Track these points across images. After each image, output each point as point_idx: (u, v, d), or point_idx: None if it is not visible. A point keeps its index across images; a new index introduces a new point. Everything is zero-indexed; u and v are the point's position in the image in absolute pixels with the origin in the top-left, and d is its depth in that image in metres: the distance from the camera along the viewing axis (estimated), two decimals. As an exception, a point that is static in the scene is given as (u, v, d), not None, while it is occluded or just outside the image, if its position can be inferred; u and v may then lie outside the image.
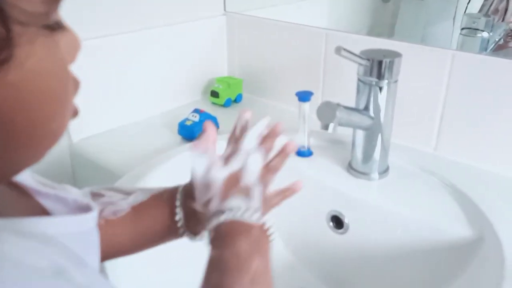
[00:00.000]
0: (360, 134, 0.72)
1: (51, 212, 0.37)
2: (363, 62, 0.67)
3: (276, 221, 0.79)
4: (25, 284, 0.24)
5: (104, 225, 0.47)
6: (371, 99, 0.69)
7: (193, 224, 0.50)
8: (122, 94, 0.93)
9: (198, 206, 0.46)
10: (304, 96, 0.78)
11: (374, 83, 0.68)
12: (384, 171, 0.75)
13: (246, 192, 0.44)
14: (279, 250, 0.79)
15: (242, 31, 1.08)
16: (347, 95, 0.74)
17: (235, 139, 0.50)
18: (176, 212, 0.49)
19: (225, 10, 1.09)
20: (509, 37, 0.84)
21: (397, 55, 0.68)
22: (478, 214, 0.63)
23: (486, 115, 0.74)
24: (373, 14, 1.08)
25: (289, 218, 0.80)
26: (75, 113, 0.33)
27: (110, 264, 0.56)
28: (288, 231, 0.80)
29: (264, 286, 0.40)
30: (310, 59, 0.96)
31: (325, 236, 0.74)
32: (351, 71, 0.71)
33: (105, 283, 0.34)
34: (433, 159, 0.80)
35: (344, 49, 0.63)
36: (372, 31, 1.05)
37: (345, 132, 0.75)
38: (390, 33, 1.05)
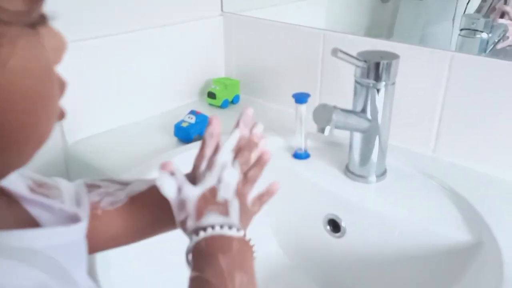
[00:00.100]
0: (358, 137, 0.71)
1: (38, 220, 0.36)
2: (360, 64, 0.66)
3: (273, 225, 0.79)
4: None
5: (101, 216, 0.47)
6: (369, 101, 0.68)
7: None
8: (117, 95, 0.92)
9: (177, 225, 0.46)
10: (300, 98, 0.77)
11: (371, 85, 0.67)
12: (382, 174, 0.74)
13: (223, 208, 0.44)
14: (275, 254, 0.79)
15: (239, 32, 1.07)
16: (345, 96, 0.73)
17: (210, 153, 0.49)
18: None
19: (222, 10, 1.09)
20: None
21: (394, 56, 0.67)
22: (476, 218, 0.62)
23: (485, 117, 0.74)
24: (372, 14, 1.07)
25: (285, 222, 0.79)
26: (61, 115, 0.33)
27: (101, 265, 0.55)
28: (284, 235, 0.79)
29: None
30: (308, 60, 0.95)
31: (322, 240, 0.73)
32: (349, 72, 0.70)
33: None
34: (431, 161, 0.79)
35: (341, 51, 0.62)
36: (371, 31, 1.05)
37: (343, 135, 0.75)
38: (389, 34, 1.05)
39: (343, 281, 0.72)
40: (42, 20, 0.27)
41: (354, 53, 0.68)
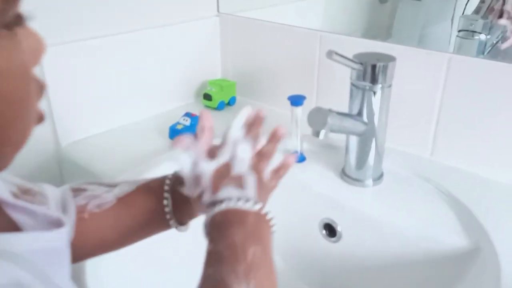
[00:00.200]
0: (354, 140, 0.70)
1: (20, 225, 0.35)
2: (356, 66, 0.65)
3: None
4: None
5: (89, 219, 0.46)
6: (365, 104, 0.67)
7: (180, 213, 0.49)
8: (112, 96, 0.91)
9: (192, 199, 0.45)
10: (296, 100, 0.76)
11: (367, 87, 0.66)
12: (378, 178, 0.73)
13: (238, 182, 0.43)
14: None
15: (235, 33, 1.06)
16: (342, 98, 0.72)
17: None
18: (165, 197, 0.49)
19: (218, 11, 1.07)
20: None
21: (391, 59, 0.66)
22: (474, 223, 0.61)
23: (483, 119, 0.73)
24: (370, 15, 1.06)
25: (280, 226, 0.78)
26: (40, 118, 0.32)
27: (90, 270, 0.55)
28: (279, 239, 0.78)
29: (263, 275, 0.38)
30: (305, 62, 0.94)
31: (318, 245, 0.72)
32: (347, 73, 0.69)
33: None
34: (429, 164, 0.78)
35: (336, 53, 0.61)
36: (369, 32, 1.04)
37: (339, 137, 0.74)
38: (387, 34, 1.04)
39: (339, 286, 0.71)
40: (19, 20, 0.26)
41: (351, 55, 0.67)
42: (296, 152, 0.79)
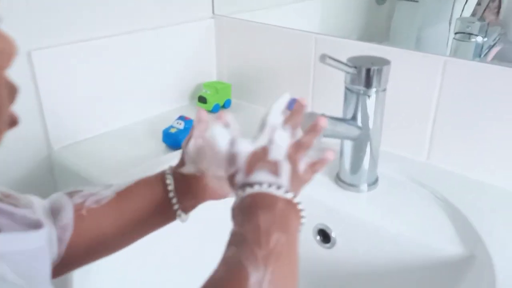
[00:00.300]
0: (348, 144, 0.70)
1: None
2: (350, 70, 0.64)
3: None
4: None
5: (87, 216, 0.46)
6: (359, 108, 0.66)
7: (182, 198, 0.49)
8: (105, 99, 0.90)
9: (226, 181, 0.45)
10: (289, 105, 0.74)
11: (361, 91, 0.65)
12: (373, 183, 0.72)
13: (273, 168, 0.42)
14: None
15: (231, 35, 1.05)
16: (339, 101, 0.71)
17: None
18: (167, 178, 0.49)
19: (213, 13, 1.07)
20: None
21: (385, 62, 0.65)
22: (469, 230, 0.60)
23: (479, 122, 0.72)
24: (368, 16, 1.06)
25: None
26: (13, 122, 0.31)
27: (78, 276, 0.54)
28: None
29: (283, 263, 0.37)
30: (300, 64, 0.93)
31: (312, 251, 0.71)
32: (343, 76, 0.68)
33: None
34: (425, 168, 0.77)
35: (329, 57, 0.60)
36: (367, 34, 1.03)
37: (333, 142, 0.73)
38: (385, 36, 1.03)
39: (333, 293, 0.70)
40: None
41: (347, 57, 0.66)
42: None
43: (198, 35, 1.05)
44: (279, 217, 0.39)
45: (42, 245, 0.37)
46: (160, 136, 0.88)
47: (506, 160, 0.71)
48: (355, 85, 0.65)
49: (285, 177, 0.42)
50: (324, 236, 0.71)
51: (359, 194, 0.71)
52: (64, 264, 0.45)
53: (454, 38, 0.85)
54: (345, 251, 0.68)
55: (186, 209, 0.50)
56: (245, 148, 0.43)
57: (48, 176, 0.87)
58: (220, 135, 0.44)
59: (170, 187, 0.49)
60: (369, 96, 0.65)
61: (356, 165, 0.70)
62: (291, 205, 0.41)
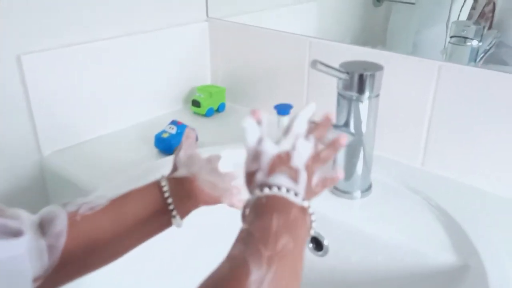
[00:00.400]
0: (341, 151, 0.68)
1: None
2: (343, 76, 0.63)
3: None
4: None
5: (81, 222, 0.46)
6: (352, 114, 0.65)
7: (177, 203, 0.49)
8: (96, 104, 0.89)
9: (244, 177, 0.46)
10: (283, 110, 0.74)
11: (354, 97, 0.64)
12: (367, 189, 0.71)
13: (294, 174, 0.43)
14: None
15: (225, 38, 1.04)
16: (333, 105, 0.70)
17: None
18: (161, 181, 0.50)
19: (207, 15, 1.06)
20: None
21: (378, 68, 0.64)
22: (463, 238, 0.59)
23: (475, 128, 0.71)
24: (365, 18, 1.05)
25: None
26: None
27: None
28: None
29: (286, 266, 0.37)
30: (295, 68, 0.92)
31: (304, 259, 0.70)
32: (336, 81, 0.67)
33: None
34: (419, 174, 0.76)
35: (320, 63, 0.59)
36: (363, 36, 1.02)
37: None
38: (381, 38, 1.02)
39: (326, 301, 0.69)
40: None
41: (341, 61, 0.65)
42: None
43: (192, 38, 1.04)
44: (291, 223, 0.40)
45: (21, 253, 0.37)
46: (152, 141, 0.87)
47: (501, 165, 0.70)
48: (348, 91, 0.64)
49: (302, 185, 0.43)
50: (317, 244, 0.69)
51: (352, 201, 0.70)
52: (59, 274, 0.45)
53: (449, 42, 0.84)
54: (337, 259, 0.67)
55: (181, 214, 0.51)
56: (271, 149, 0.44)
57: (39, 183, 0.86)
58: (251, 130, 0.45)
59: (165, 188, 0.50)
60: (361, 102, 0.64)
61: (349, 171, 0.69)
62: (304, 214, 0.42)
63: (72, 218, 0.46)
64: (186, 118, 0.99)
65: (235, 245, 0.38)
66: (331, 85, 0.68)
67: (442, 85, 0.73)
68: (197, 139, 0.87)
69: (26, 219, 0.43)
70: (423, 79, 0.74)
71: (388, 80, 0.68)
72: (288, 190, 0.41)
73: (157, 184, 0.50)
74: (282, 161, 0.44)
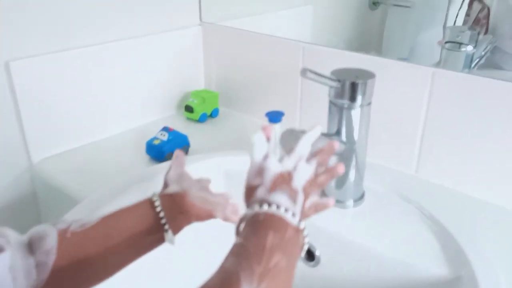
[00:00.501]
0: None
1: None
2: (334, 84, 0.62)
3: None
4: None
5: (71, 238, 0.46)
6: (343, 122, 0.64)
7: (169, 219, 0.50)
8: (87, 110, 0.88)
9: (244, 190, 0.47)
10: (274, 117, 0.73)
11: (346, 106, 0.63)
12: (359, 198, 0.70)
13: (293, 194, 0.44)
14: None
15: (219, 42, 1.03)
16: (327, 111, 0.69)
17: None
18: (153, 196, 0.50)
19: (201, 20, 1.05)
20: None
21: (370, 75, 0.63)
22: (456, 250, 0.58)
23: (469, 135, 0.70)
24: (361, 21, 1.04)
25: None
26: None
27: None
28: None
29: (277, 284, 0.38)
30: (288, 73, 0.91)
31: (296, 269, 0.69)
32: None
33: None
34: (413, 182, 0.75)
35: (310, 71, 0.58)
36: (360, 39, 1.01)
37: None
38: (378, 41, 1.01)
39: (317, 312, 0.68)
40: None
41: (335, 67, 0.64)
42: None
43: (185, 43, 1.03)
44: (285, 242, 0.41)
45: (2, 269, 0.37)
46: (144, 147, 0.86)
47: (496, 173, 0.69)
48: (339, 99, 0.63)
49: (299, 206, 0.44)
50: (308, 254, 0.68)
51: (345, 210, 0.69)
52: None
53: (444, 48, 0.83)
54: (329, 270, 0.66)
55: (174, 230, 0.50)
56: (275, 167, 0.45)
57: (29, 192, 0.85)
58: (259, 146, 0.46)
59: (157, 203, 0.50)
60: (353, 111, 0.63)
61: (341, 180, 0.68)
62: (298, 234, 0.43)
63: (63, 235, 0.46)
64: (179, 123, 0.99)
65: (228, 258, 0.39)
66: (325, 90, 0.67)
67: (436, 91, 0.72)
68: (187, 150, 0.87)
69: (11, 237, 0.43)
70: (417, 86, 0.73)
71: (382, 86, 0.67)
72: (286, 210, 0.42)
73: (148, 201, 0.50)
74: (284, 180, 0.45)
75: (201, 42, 1.05)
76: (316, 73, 0.59)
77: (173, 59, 1.01)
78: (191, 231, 0.53)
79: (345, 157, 0.66)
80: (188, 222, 0.51)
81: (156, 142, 0.84)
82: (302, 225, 0.43)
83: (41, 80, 0.80)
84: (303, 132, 0.59)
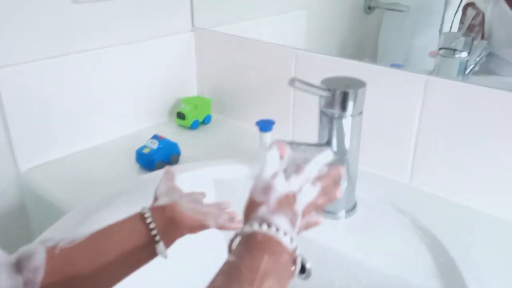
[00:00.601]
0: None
1: None
2: (324, 93, 0.60)
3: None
4: None
5: (59, 254, 0.45)
6: (334, 132, 0.63)
7: (161, 229, 0.49)
8: (75, 118, 0.87)
9: (246, 203, 0.46)
10: (264, 126, 0.72)
11: (336, 115, 0.62)
12: (352, 209, 0.69)
13: (294, 218, 0.44)
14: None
15: (211, 48, 1.02)
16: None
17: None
18: (143, 209, 0.49)
19: (193, 25, 1.03)
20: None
21: (361, 84, 0.62)
22: (449, 264, 0.57)
23: (464, 144, 0.69)
24: (356, 26, 1.03)
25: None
26: None
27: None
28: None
29: None
30: (281, 79, 0.89)
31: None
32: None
33: None
34: (407, 191, 0.74)
35: (299, 81, 0.56)
36: (355, 43, 1.00)
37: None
38: (373, 45, 1.00)
39: (309, 326, 0.67)
40: None
41: (327, 74, 0.63)
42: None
43: (177, 49, 1.01)
44: (280, 268, 0.40)
45: None
46: (134, 156, 0.84)
47: (491, 182, 0.67)
48: (330, 109, 0.62)
49: (296, 229, 0.44)
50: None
51: (336, 221, 0.68)
52: None
53: (438, 54, 0.82)
54: (320, 283, 0.65)
55: (166, 243, 0.49)
56: (282, 187, 0.45)
57: (17, 202, 0.84)
58: (272, 163, 0.46)
59: (147, 215, 0.49)
60: (344, 120, 0.62)
61: (332, 191, 0.66)
62: (293, 260, 0.42)
63: (51, 251, 0.45)
64: (171, 131, 0.97)
65: (219, 277, 0.38)
66: (317, 98, 0.66)
67: (429, 100, 0.70)
68: (177, 159, 0.85)
69: (2, 260, 0.42)
70: (410, 94, 0.72)
71: (375, 94, 0.65)
72: (285, 234, 0.42)
73: (139, 215, 0.49)
74: (288, 201, 0.44)
75: (194, 48, 1.04)
76: (305, 83, 0.58)
77: (165, 65, 1.00)
78: (183, 245, 0.52)
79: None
80: (181, 234, 0.51)
81: (146, 150, 0.82)
82: (298, 252, 0.42)
83: (29, 88, 0.79)
84: (291, 143, 0.58)
